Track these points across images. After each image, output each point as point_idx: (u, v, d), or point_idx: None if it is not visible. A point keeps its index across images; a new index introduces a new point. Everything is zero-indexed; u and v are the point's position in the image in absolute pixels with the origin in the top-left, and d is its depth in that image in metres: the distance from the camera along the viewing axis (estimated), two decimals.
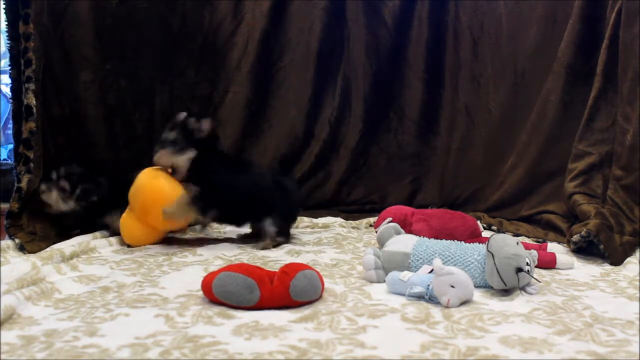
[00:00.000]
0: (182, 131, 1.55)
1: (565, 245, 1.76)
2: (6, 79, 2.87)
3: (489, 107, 2.30)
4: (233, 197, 1.64)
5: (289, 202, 1.76)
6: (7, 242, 1.51)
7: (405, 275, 1.27)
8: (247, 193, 1.66)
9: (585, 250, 1.67)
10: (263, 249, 1.67)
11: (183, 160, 1.56)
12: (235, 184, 1.64)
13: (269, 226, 1.69)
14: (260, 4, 2.27)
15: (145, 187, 1.60)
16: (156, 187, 1.60)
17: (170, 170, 1.59)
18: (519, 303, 1.22)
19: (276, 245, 1.70)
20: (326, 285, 1.28)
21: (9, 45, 1.62)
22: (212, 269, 1.41)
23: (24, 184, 1.57)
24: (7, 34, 1.62)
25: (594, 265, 1.58)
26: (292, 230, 1.98)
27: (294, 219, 1.81)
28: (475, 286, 1.26)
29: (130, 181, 1.63)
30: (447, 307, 1.17)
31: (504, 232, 1.94)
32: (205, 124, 1.57)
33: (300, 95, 2.33)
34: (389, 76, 2.36)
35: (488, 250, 1.28)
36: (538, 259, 1.38)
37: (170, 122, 1.58)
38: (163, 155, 1.55)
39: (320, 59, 2.32)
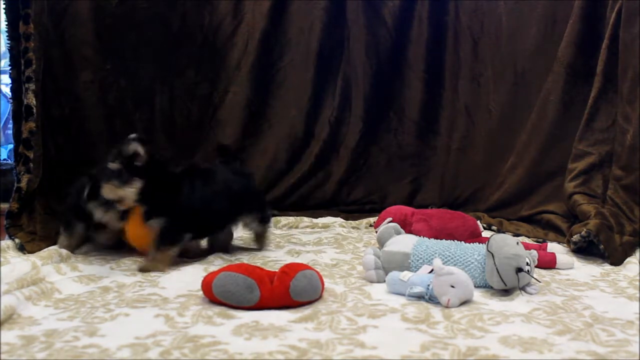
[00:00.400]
0: (124, 161, 1.43)
1: (565, 245, 1.76)
2: (6, 79, 2.86)
3: (489, 107, 2.30)
4: (206, 212, 1.53)
5: (253, 190, 1.72)
6: (7, 242, 1.51)
7: (405, 275, 1.27)
8: (219, 202, 1.55)
9: (585, 250, 1.67)
10: (265, 246, 1.69)
11: (130, 192, 1.43)
12: (201, 200, 1.52)
13: (253, 223, 1.67)
14: (260, 4, 2.27)
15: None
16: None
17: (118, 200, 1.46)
18: (519, 303, 1.22)
19: (267, 233, 1.72)
20: (326, 285, 1.28)
21: (9, 45, 1.62)
22: (212, 269, 1.41)
23: (23, 184, 1.57)
24: (7, 34, 1.62)
25: (594, 265, 1.58)
26: (292, 231, 1.99)
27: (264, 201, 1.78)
28: (475, 286, 1.26)
29: None
30: (447, 307, 1.17)
31: (504, 232, 1.93)
32: (136, 147, 1.43)
33: (300, 95, 2.33)
34: (389, 76, 2.36)
35: (488, 250, 1.28)
36: (538, 259, 1.38)
37: (113, 151, 1.46)
38: (109, 189, 1.43)
39: (320, 59, 2.32)
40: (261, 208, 1.71)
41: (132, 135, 1.45)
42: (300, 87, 2.33)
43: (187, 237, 1.52)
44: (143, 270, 1.42)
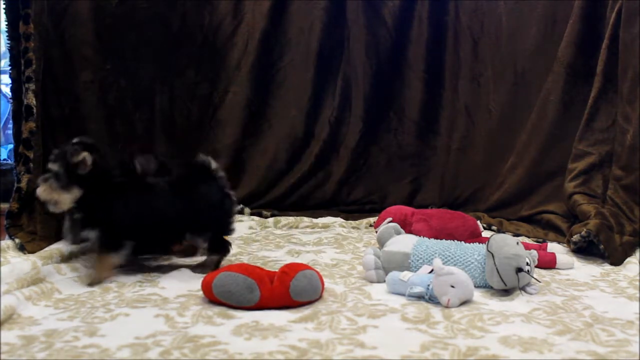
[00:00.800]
0: (65, 164, 1.32)
1: (565, 245, 1.76)
2: (6, 79, 2.86)
3: (489, 107, 2.30)
4: (138, 228, 1.40)
5: (214, 210, 1.46)
6: (7, 242, 1.51)
7: (405, 275, 1.27)
8: (157, 216, 1.41)
9: (585, 250, 1.67)
10: (203, 273, 1.36)
11: (66, 198, 1.33)
12: (143, 210, 1.39)
13: (201, 244, 1.49)
14: (260, 4, 2.27)
15: None
16: None
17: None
18: (519, 303, 1.22)
19: (215, 265, 1.46)
20: (326, 285, 1.28)
21: (9, 45, 1.62)
22: None
23: (23, 184, 1.57)
24: (7, 34, 1.62)
25: (594, 265, 1.58)
26: (292, 231, 1.98)
27: (227, 226, 1.51)
28: (475, 286, 1.26)
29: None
30: (447, 307, 1.17)
31: (504, 232, 1.93)
32: (84, 158, 1.32)
33: (300, 95, 2.33)
34: (389, 76, 2.36)
35: (488, 250, 1.28)
36: (538, 259, 1.38)
37: (55, 152, 1.36)
38: (45, 190, 1.33)
39: (320, 59, 2.32)
40: (214, 234, 1.48)
41: (77, 140, 1.36)
42: (300, 87, 2.33)
43: (128, 246, 1.39)
44: (92, 284, 1.33)
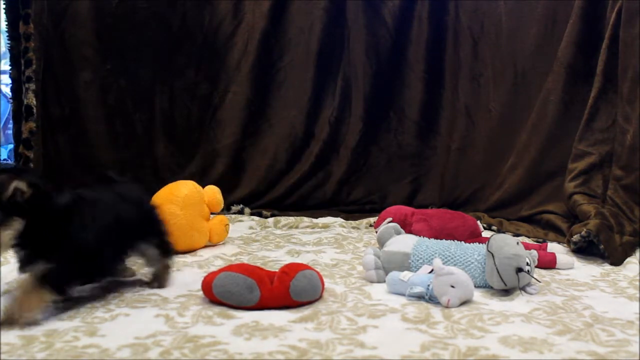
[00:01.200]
0: None
1: (565, 245, 1.76)
2: (6, 79, 2.87)
3: (489, 107, 2.30)
4: (101, 248, 1.20)
5: (150, 216, 1.35)
6: None
7: (405, 275, 1.27)
8: (113, 234, 1.22)
9: (585, 250, 1.67)
10: (160, 287, 1.30)
11: (7, 236, 1.08)
12: (95, 234, 1.17)
13: (151, 250, 1.32)
14: (260, 4, 2.27)
15: None
16: None
17: None
18: (519, 303, 1.22)
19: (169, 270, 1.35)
20: (326, 285, 1.28)
21: (9, 45, 1.62)
22: (212, 269, 1.41)
23: None
24: (7, 34, 1.63)
25: (594, 265, 1.58)
26: (292, 231, 1.98)
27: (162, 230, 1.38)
28: (475, 286, 1.26)
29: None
30: (447, 307, 1.17)
31: (504, 232, 1.93)
32: (17, 185, 1.06)
33: (300, 95, 2.33)
34: (389, 76, 2.36)
35: (488, 250, 1.28)
36: (538, 259, 1.38)
37: None
38: None
39: (320, 59, 2.32)
40: (160, 236, 1.34)
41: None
42: (300, 87, 2.33)
43: (78, 283, 1.19)
44: (7, 321, 1.06)
